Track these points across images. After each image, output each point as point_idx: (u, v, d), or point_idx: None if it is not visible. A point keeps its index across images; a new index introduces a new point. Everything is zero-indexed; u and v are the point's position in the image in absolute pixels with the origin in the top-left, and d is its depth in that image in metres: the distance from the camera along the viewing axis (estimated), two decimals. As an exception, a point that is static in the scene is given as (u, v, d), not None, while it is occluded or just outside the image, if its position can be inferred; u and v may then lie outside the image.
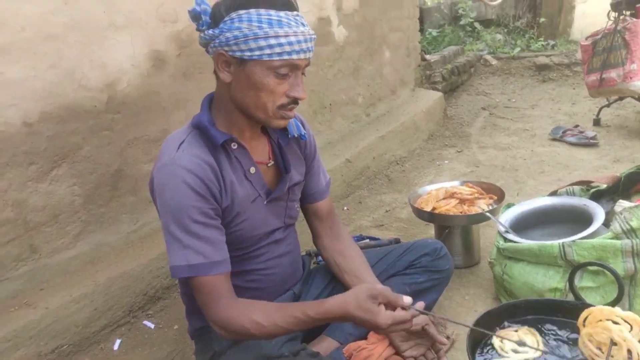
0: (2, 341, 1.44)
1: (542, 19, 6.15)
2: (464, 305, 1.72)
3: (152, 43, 1.94)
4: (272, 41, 1.06)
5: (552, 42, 5.90)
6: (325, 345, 1.41)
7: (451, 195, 1.95)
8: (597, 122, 3.73)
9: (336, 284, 1.45)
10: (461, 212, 1.86)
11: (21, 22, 1.53)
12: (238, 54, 1.07)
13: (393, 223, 2.46)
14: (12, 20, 1.51)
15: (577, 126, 3.60)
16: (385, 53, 3.68)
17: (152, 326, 1.74)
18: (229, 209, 1.19)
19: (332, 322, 1.11)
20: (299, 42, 1.08)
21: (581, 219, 1.63)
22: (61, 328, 1.58)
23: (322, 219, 1.46)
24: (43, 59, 1.60)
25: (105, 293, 1.69)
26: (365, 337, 1.40)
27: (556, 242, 1.46)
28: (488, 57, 5.56)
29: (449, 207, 1.87)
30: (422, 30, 6.45)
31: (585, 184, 1.83)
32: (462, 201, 1.91)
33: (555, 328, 1.16)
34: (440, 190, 1.99)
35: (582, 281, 1.43)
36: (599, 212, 1.58)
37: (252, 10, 1.06)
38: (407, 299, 1.08)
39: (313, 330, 1.46)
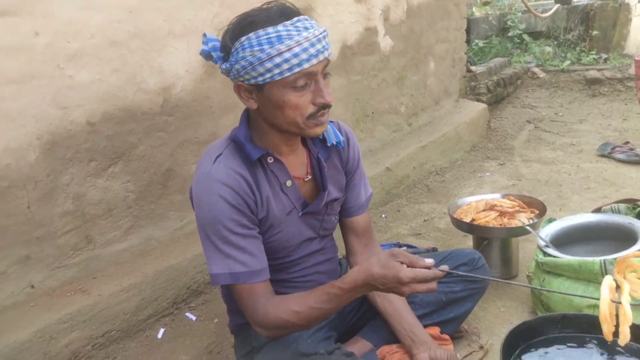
0: (59, 322, 1.55)
1: (595, 32, 5.96)
2: (499, 317, 1.72)
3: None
4: (277, 60, 1.04)
5: (604, 56, 5.71)
6: (359, 346, 1.45)
7: (491, 207, 1.95)
8: (649, 139, 3.60)
9: None
10: (501, 225, 1.86)
11: (91, 30, 1.66)
12: (252, 81, 1.08)
13: (431, 232, 2.47)
14: (84, 29, 1.65)
15: (627, 143, 3.48)
16: (430, 64, 3.69)
17: (194, 318, 1.83)
18: (263, 221, 1.23)
19: (360, 293, 1.13)
20: (304, 50, 1.05)
21: (626, 237, 1.60)
22: (111, 314, 1.69)
23: (358, 235, 1.44)
24: (108, 64, 1.72)
25: (152, 284, 1.79)
26: (398, 342, 1.43)
27: (597, 259, 1.45)
28: (536, 69, 5.45)
29: (489, 219, 1.87)
30: (468, 41, 6.38)
31: (632, 202, 1.78)
32: (502, 214, 1.91)
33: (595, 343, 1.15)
34: (480, 202, 1.99)
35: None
36: (644, 231, 1.55)
37: (252, 35, 1.05)
38: (429, 260, 1.09)
39: (348, 332, 1.51)
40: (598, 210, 1.84)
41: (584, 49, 5.97)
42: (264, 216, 1.22)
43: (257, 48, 1.04)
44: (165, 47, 1.90)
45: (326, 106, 1.12)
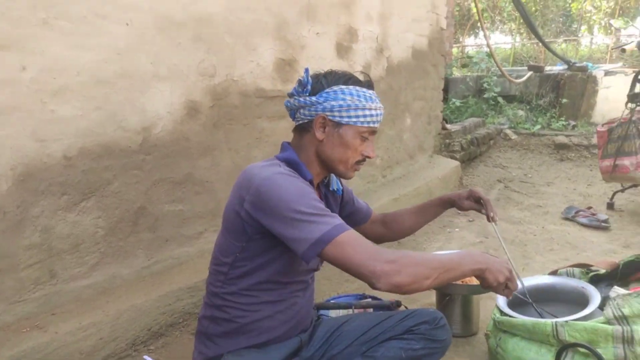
0: (10, 359, 1.51)
1: (565, 100, 6.31)
2: (458, 375, 1.74)
3: (189, 94, 2.11)
4: (367, 112, 1.34)
5: (572, 123, 6.03)
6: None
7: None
8: (610, 206, 3.76)
9: (334, 339, 1.51)
10: (462, 282, 1.91)
11: (78, 68, 1.72)
12: (338, 118, 1.33)
13: (397, 285, 2.50)
14: (71, 66, 1.70)
15: (590, 208, 3.64)
16: (407, 119, 3.85)
17: (152, 361, 1.79)
18: None
19: (470, 263, 1.25)
20: (377, 114, 1.37)
21: (578, 301, 1.66)
22: (66, 354, 1.64)
23: (386, 224, 1.79)
24: (91, 101, 1.77)
25: (113, 324, 1.76)
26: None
27: (550, 321, 1.50)
28: (508, 131, 5.70)
29: (451, 276, 1.92)
30: (446, 99, 6.68)
31: (585, 267, 1.87)
32: (464, 271, 1.96)
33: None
34: (444, 257, 2.04)
35: (573, 363, 1.45)
36: (595, 296, 1.62)
37: (351, 87, 1.34)
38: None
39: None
40: (554, 273, 1.91)
41: (554, 114, 6.31)
42: None
43: (356, 98, 1.33)
44: (149, 89, 1.96)
45: (367, 158, 1.41)
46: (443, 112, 5.13)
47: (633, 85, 3.47)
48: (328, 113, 1.33)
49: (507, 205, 3.91)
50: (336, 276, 2.62)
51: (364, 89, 1.36)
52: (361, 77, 1.40)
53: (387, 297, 2.30)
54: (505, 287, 1.30)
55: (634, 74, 3.53)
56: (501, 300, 1.73)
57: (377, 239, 1.80)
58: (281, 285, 1.38)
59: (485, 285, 1.29)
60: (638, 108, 3.20)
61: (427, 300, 2.28)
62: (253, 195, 1.24)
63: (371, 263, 1.12)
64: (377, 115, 1.37)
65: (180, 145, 2.11)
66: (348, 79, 1.36)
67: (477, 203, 1.70)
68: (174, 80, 2.05)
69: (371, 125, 1.36)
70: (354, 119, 1.33)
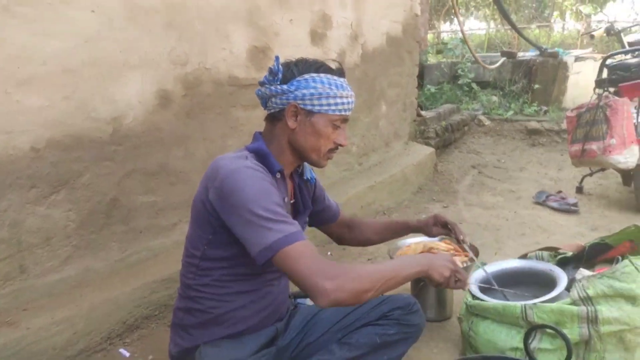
0: (-19, 356, 1.49)
1: (537, 86, 6.42)
2: (432, 358, 1.78)
3: (160, 82, 2.08)
4: (338, 100, 1.34)
5: (544, 108, 6.15)
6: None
7: (429, 250, 2.03)
8: (579, 190, 3.88)
9: (310, 327, 1.52)
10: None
11: (44, 57, 1.67)
12: (309, 107, 1.33)
13: (374, 271, 2.54)
14: (37, 55, 1.65)
15: (560, 192, 3.74)
16: (382, 107, 3.86)
17: (127, 354, 1.78)
18: None
19: (414, 264, 1.33)
20: (349, 102, 1.38)
21: (546, 283, 1.71)
22: (39, 349, 1.62)
23: (351, 228, 1.80)
24: (59, 91, 1.72)
25: (87, 318, 1.74)
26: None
27: (519, 303, 1.55)
28: (482, 117, 5.78)
29: (425, 261, 1.96)
30: (421, 86, 6.72)
31: (554, 251, 1.93)
32: (438, 256, 2.00)
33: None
34: (419, 244, 2.07)
35: (542, 343, 1.51)
36: (562, 278, 1.67)
37: (322, 75, 1.34)
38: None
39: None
40: (524, 257, 1.96)
41: (526, 100, 6.41)
42: None
43: (327, 86, 1.33)
44: (120, 77, 1.92)
45: (340, 147, 1.42)
46: (418, 98, 5.15)
47: (600, 71, 3.56)
48: (299, 101, 1.33)
49: (481, 190, 3.98)
50: (313, 264, 2.64)
51: (335, 77, 1.36)
52: (332, 65, 1.40)
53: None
54: (455, 280, 1.38)
55: (602, 60, 3.62)
56: (473, 285, 1.77)
57: (338, 240, 1.83)
58: (253, 276, 1.38)
59: (435, 284, 1.37)
60: (605, 93, 3.28)
61: (403, 286, 2.32)
62: (217, 188, 1.25)
63: (313, 279, 1.13)
64: (348, 103, 1.37)
65: (153, 135, 2.08)
66: (319, 66, 1.36)
67: (445, 227, 1.75)
68: (145, 68, 2.01)
69: (343, 113, 1.36)
70: (326, 107, 1.33)
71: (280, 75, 1.34)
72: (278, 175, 1.39)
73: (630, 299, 1.45)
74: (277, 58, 1.36)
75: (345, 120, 1.40)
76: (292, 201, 1.50)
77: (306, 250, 1.18)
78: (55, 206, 1.76)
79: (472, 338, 1.68)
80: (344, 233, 1.82)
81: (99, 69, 1.84)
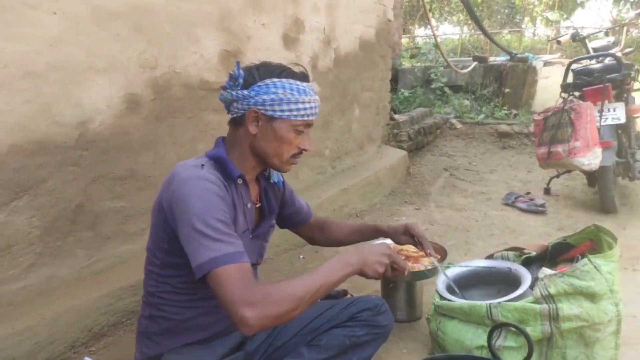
0: (-61, 368, 1.44)
1: (507, 90, 6.56)
2: (401, 358, 1.80)
3: (129, 87, 2.05)
4: (300, 105, 1.32)
5: (514, 112, 6.28)
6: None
7: (398, 252, 2.06)
8: (547, 191, 3.98)
9: (279, 331, 1.52)
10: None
11: (5, 60, 1.63)
12: (270, 112, 1.31)
13: (346, 274, 2.55)
14: (-4, 58, 1.61)
15: (528, 193, 3.83)
16: (355, 110, 3.89)
17: (94, 362, 1.75)
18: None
19: (347, 264, 1.28)
20: (312, 107, 1.36)
21: (512, 282, 1.76)
22: (-1, 360, 1.59)
23: (323, 229, 1.79)
24: (20, 95, 1.69)
25: (50, 327, 1.71)
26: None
27: (484, 303, 1.58)
28: (454, 120, 5.88)
29: (395, 263, 1.98)
30: (395, 90, 6.79)
31: (519, 251, 1.97)
32: (407, 258, 2.03)
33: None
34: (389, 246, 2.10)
35: (506, 341, 1.54)
36: (526, 277, 1.72)
37: (284, 80, 1.32)
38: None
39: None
40: (491, 257, 2.01)
41: (497, 104, 6.54)
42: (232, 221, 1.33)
43: (289, 91, 1.31)
44: (86, 81, 1.89)
45: (304, 151, 1.40)
46: (392, 102, 5.21)
47: (565, 76, 3.66)
48: (260, 107, 1.31)
49: (452, 192, 4.05)
50: (286, 269, 2.64)
51: (298, 82, 1.33)
52: (296, 70, 1.39)
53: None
54: (392, 269, 1.36)
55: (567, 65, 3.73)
56: (441, 285, 1.80)
57: (310, 241, 1.84)
58: None
59: (371, 278, 1.34)
60: (570, 98, 3.37)
61: (373, 287, 2.34)
62: (169, 196, 1.25)
63: (234, 308, 1.10)
64: (311, 108, 1.35)
65: (121, 139, 2.05)
66: (281, 71, 1.34)
67: (414, 239, 1.71)
68: (113, 72, 1.98)
69: (305, 118, 1.34)
70: (287, 113, 1.32)
71: (241, 80, 1.33)
72: (240, 182, 1.38)
73: (589, 296, 1.50)
74: (237, 63, 1.35)
75: (308, 125, 1.38)
76: (257, 205, 1.50)
77: (235, 273, 1.14)
78: (17, 213, 1.72)
79: (440, 338, 1.71)
80: (316, 234, 1.81)
81: (64, 72, 1.81)
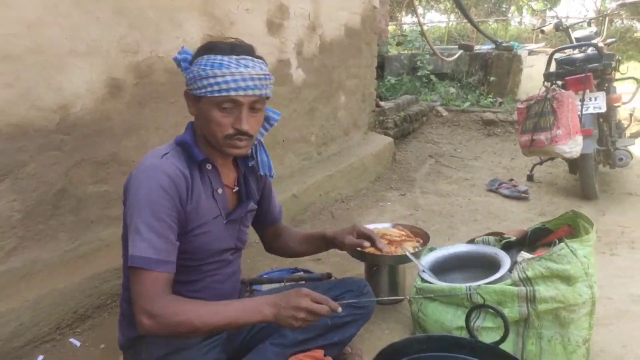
0: None
1: (492, 78, 6.61)
2: (383, 338, 1.84)
3: (110, 71, 2.03)
4: (217, 80, 1.25)
5: (499, 100, 6.34)
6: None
7: (382, 236, 2.09)
8: (530, 178, 4.04)
9: None
10: (389, 253, 2.00)
11: (-19, 42, 1.60)
12: (195, 92, 1.28)
13: (330, 258, 2.58)
14: (-28, 40, 1.58)
15: (511, 180, 3.89)
16: (341, 97, 3.89)
17: (78, 344, 1.76)
18: (193, 215, 1.32)
19: (256, 312, 1.24)
20: (235, 81, 1.25)
21: (492, 266, 1.80)
22: (-17, 342, 1.58)
23: (279, 236, 1.72)
24: (-1, 78, 1.66)
25: (33, 309, 1.70)
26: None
27: (464, 285, 1.62)
28: (440, 108, 5.91)
29: (378, 247, 2.01)
30: (382, 77, 6.80)
31: (499, 235, 2.01)
32: (391, 242, 2.05)
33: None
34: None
35: (485, 321, 1.58)
36: (506, 261, 1.76)
37: (205, 56, 1.28)
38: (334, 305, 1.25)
39: (239, 354, 1.54)
40: (472, 242, 2.05)
41: (482, 92, 6.59)
42: (193, 209, 1.32)
43: (203, 67, 1.26)
44: (66, 65, 1.86)
45: (243, 133, 1.29)
46: (378, 89, 5.22)
47: (548, 65, 3.70)
48: (188, 88, 1.31)
49: (437, 179, 4.09)
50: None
51: (219, 56, 1.26)
52: (236, 43, 1.31)
53: (319, 269, 2.37)
54: (313, 315, 1.22)
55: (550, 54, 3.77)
56: (421, 268, 1.84)
57: (267, 247, 1.76)
58: (191, 267, 1.38)
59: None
60: (553, 86, 3.42)
61: (358, 270, 2.37)
62: (127, 181, 1.30)
63: (136, 310, 1.19)
64: (233, 81, 1.24)
65: (103, 124, 2.03)
66: (208, 48, 1.29)
67: (363, 238, 1.58)
68: (94, 56, 1.96)
69: (224, 94, 1.24)
70: (204, 90, 1.25)
71: (183, 64, 1.33)
72: (209, 167, 1.37)
73: (565, 279, 1.54)
74: (183, 48, 1.36)
75: (236, 102, 1.26)
76: (235, 189, 1.47)
77: (146, 281, 1.19)
78: (-2, 197, 1.71)
79: (421, 319, 1.74)
80: (274, 241, 1.73)
81: (44, 56, 1.78)
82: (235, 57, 1.27)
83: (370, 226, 2.20)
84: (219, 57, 1.26)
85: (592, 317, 1.58)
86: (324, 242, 1.66)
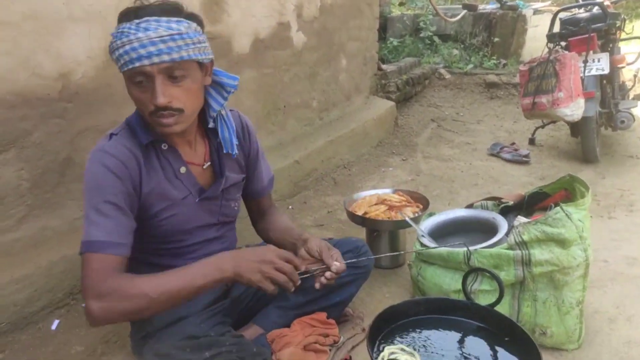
0: (-61, 315, 1.50)
1: (496, 39, 6.48)
2: (383, 301, 1.90)
3: (109, 37, 2.00)
4: (117, 54, 1.12)
5: (503, 62, 6.24)
6: (251, 331, 1.55)
7: (382, 201, 2.13)
8: (532, 142, 4.04)
9: None
10: (389, 218, 2.05)
11: (-23, 10, 1.59)
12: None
13: (333, 224, 2.63)
14: (-31, 8, 1.56)
15: (513, 144, 3.89)
16: (342, 61, 3.85)
17: (91, 308, 1.82)
18: (153, 198, 1.28)
19: (217, 270, 1.16)
20: (133, 49, 1.08)
21: (489, 230, 1.84)
22: (0, 307, 1.64)
23: (263, 212, 1.65)
24: (-3, 46, 1.65)
25: (47, 275, 1.76)
26: (288, 326, 1.55)
27: (462, 249, 1.66)
28: (442, 70, 5.83)
29: (378, 213, 2.05)
30: (384, 39, 6.67)
31: (497, 200, 2.04)
32: (391, 207, 2.10)
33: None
34: (373, 196, 2.17)
35: (482, 285, 1.63)
36: (503, 225, 1.79)
37: (116, 27, 1.15)
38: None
39: (242, 319, 1.60)
40: (470, 206, 2.08)
41: (486, 54, 6.48)
42: (150, 191, 1.27)
43: (112, 40, 1.13)
44: (65, 32, 1.84)
45: (162, 107, 1.13)
46: (381, 51, 5.13)
47: (552, 25, 3.63)
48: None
49: (439, 143, 4.09)
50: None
51: (122, 24, 1.12)
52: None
53: (321, 235, 2.42)
54: (270, 281, 1.17)
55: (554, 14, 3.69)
56: (421, 233, 1.88)
57: (252, 222, 1.67)
58: (173, 250, 1.38)
59: (249, 286, 1.20)
60: (556, 48, 3.37)
61: (359, 236, 2.41)
62: None
63: (84, 296, 1.10)
64: (132, 50, 1.08)
65: (105, 91, 2.03)
66: (119, 17, 1.14)
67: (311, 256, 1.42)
68: (91, 22, 1.93)
69: (129, 66, 1.10)
70: (117, 65, 1.14)
71: None
72: (164, 146, 1.28)
73: (560, 242, 1.57)
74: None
75: (145, 73, 1.10)
76: (205, 165, 1.39)
77: (93, 263, 1.11)
78: (6, 165, 1.73)
79: (420, 282, 1.80)
80: (257, 218, 1.66)
81: (41, 22, 1.76)
82: (136, 21, 1.10)
83: (371, 192, 2.24)
84: (122, 25, 1.12)
85: (585, 280, 1.63)
86: (292, 242, 1.50)
